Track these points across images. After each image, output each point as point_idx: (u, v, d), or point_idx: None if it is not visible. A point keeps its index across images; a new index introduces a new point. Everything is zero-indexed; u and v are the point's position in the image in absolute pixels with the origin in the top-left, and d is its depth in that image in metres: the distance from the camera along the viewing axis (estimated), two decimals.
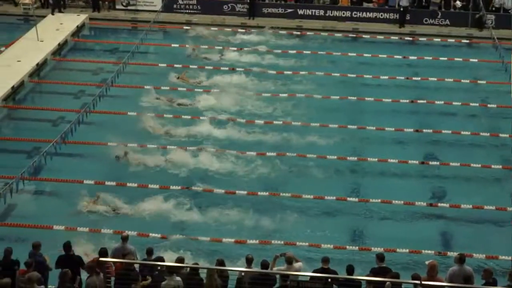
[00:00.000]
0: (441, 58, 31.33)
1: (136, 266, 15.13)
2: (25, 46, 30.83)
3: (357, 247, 19.16)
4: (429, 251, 18.78)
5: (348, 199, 21.35)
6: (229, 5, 35.67)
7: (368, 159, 23.32)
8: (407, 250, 18.88)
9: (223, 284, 14.97)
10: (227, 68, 29.87)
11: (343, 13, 35.39)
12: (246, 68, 29.96)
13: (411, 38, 34.09)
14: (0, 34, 33.99)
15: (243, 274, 14.92)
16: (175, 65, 29.94)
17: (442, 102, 27.21)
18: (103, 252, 15.61)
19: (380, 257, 15.64)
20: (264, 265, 15.19)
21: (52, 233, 19.08)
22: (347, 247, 19.12)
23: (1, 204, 18.72)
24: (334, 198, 21.21)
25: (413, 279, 14.44)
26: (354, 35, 34.31)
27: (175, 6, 35.80)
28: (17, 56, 29.75)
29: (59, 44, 31.61)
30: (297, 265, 15.57)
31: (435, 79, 29.26)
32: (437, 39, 33.85)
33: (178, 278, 14.65)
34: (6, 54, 30.19)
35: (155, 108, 26.37)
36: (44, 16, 34.15)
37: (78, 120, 23.31)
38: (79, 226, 19.54)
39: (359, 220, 20.71)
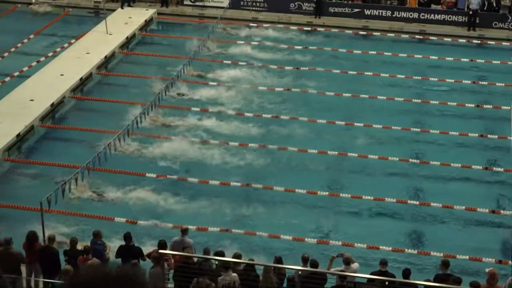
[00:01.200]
0: (509, 63, 30.72)
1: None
2: (95, 39, 31.43)
3: (416, 251, 19.00)
4: (490, 259, 18.51)
5: (409, 201, 21.16)
6: (296, 3, 35.64)
7: (431, 162, 23.05)
8: (467, 257, 18.63)
9: (279, 282, 15.03)
10: (291, 67, 29.88)
11: (411, 15, 35.00)
12: (310, 67, 29.93)
13: (479, 42, 33.51)
14: (71, 26, 34.73)
15: (300, 273, 14.95)
16: (240, 62, 30.09)
17: (509, 107, 26.68)
18: (162, 244, 15.84)
19: (446, 264, 15.48)
20: (314, 264, 15.22)
21: (113, 224, 19.50)
22: (406, 250, 18.98)
23: (65, 193, 19.10)
24: (395, 200, 21.06)
25: (471, 287, 14.28)
26: (421, 37, 33.91)
27: (242, 3, 35.95)
28: (86, 48, 30.35)
29: (127, 38, 32.11)
30: (354, 265, 15.54)
31: (503, 84, 28.71)
32: (506, 43, 33.17)
33: (234, 274, 14.77)
34: (76, 46, 30.83)
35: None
36: (113, 10, 34.71)
37: (143, 113, 23.63)
38: (140, 220, 19.89)
39: (419, 224, 20.52)
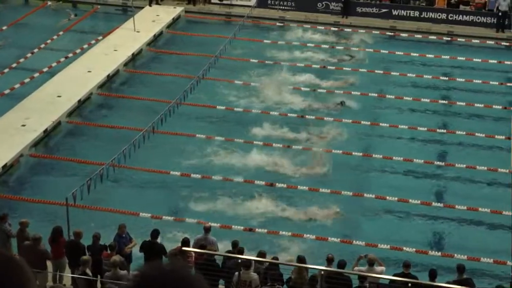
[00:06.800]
0: None
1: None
2: (122, 36, 31.60)
3: (439, 253, 18.90)
4: None
5: (433, 204, 21.07)
6: (323, 3, 35.56)
7: (456, 164, 22.89)
8: (492, 260, 18.50)
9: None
10: (318, 66, 29.86)
11: (439, 15, 34.77)
12: (337, 67, 29.86)
13: (507, 44, 33.19)
14: (99, 23, 34.99)
15: (323, 272, 14.96)
16: (267, 62, 30.10)
17: None
18: (185, 242, 15.95)
19: (461, 268, 15.34)
20: (342, 264, 15.22)
21: (138, 220, 19.64)
22: (429, 252, 18.89)
23: (91, 189, 19.26)
24: (419, 202, 20.96)
25: None
26: (449, 38, 33.67)
27: (269, 1, 35.92)
28: (114, 46, 30.53)
29: (154, 36, 32.26)
30: (379, 269, 15.49)
31: None
32: None
33: (254, 274, 14.84)
34: (104, 43, 31.03)
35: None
36: (141, 7, 34.88)
37: (169, 110, 23.74)
38: (164, 215, 20.04)
39: (443, 226, 20.43)
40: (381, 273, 15.34)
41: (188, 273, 2.70)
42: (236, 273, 14.84)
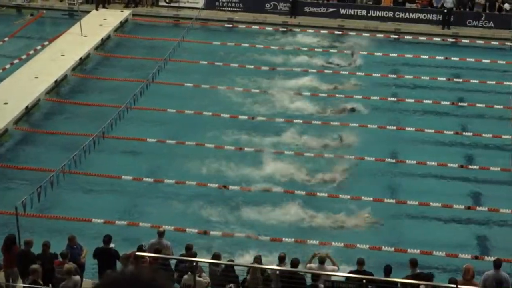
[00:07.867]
0: (483, 61, 30.93)
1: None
2: (69, 41, 31.20)
3: (392, 249, 19.07)
4: (466, 255, 18.61)
5: (386, 200, 21.25)
6: (271, 3, 35.65)
7: (407, 161, 23.13)
8: (444, 254, 18.74)
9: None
10: (267, 68, 29.91)
11: (386, 14, 35.13)
12: (287, 68, 29.93)
13: (453, 40, 33.72)
14: (45, 28, 34.51)
15: (278, 272, 14.98)
16: (216, 63, 30.04)
17: (483, 105, 26.86)
18: (140, 248, 15.84)
19: (413, 263, 15.48)
20: (295, 263, 15.26)
21: (91, 226, 19.40)
22: (383, 248, 19.04)
23: (41, 196, 18.97)
24: (371, 199, 21.13)
25: (450, 283, 14.37)
26: (396, 36, 34.03)
27: (217, 3, 35.88)
28: (61, 51, 30.13)
29: (102, 40, 31.94)
30: (330, 267, 15.53)
31: (477, 81, 28.92)
32: (480, 41, 33.41)
33: (199, 279, 14.84)
34: (50, 48, 30.59)
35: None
36: (88, 12, 34.50)
37: (119, 115, 23.52)
38: (117, 220, 19.84)
39: (395, 221, 20.62)
40: (331, 271, 15.36)
41: (149, 274, 2.71)
42: (185, 276, 14.81)
